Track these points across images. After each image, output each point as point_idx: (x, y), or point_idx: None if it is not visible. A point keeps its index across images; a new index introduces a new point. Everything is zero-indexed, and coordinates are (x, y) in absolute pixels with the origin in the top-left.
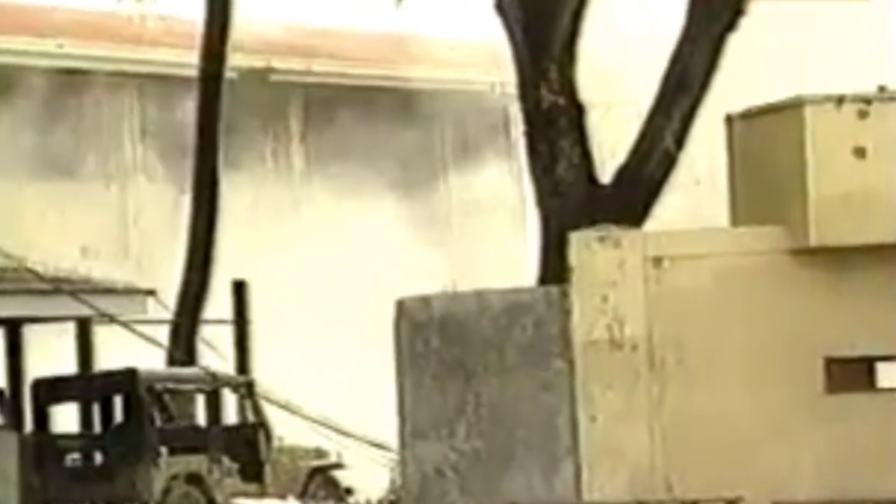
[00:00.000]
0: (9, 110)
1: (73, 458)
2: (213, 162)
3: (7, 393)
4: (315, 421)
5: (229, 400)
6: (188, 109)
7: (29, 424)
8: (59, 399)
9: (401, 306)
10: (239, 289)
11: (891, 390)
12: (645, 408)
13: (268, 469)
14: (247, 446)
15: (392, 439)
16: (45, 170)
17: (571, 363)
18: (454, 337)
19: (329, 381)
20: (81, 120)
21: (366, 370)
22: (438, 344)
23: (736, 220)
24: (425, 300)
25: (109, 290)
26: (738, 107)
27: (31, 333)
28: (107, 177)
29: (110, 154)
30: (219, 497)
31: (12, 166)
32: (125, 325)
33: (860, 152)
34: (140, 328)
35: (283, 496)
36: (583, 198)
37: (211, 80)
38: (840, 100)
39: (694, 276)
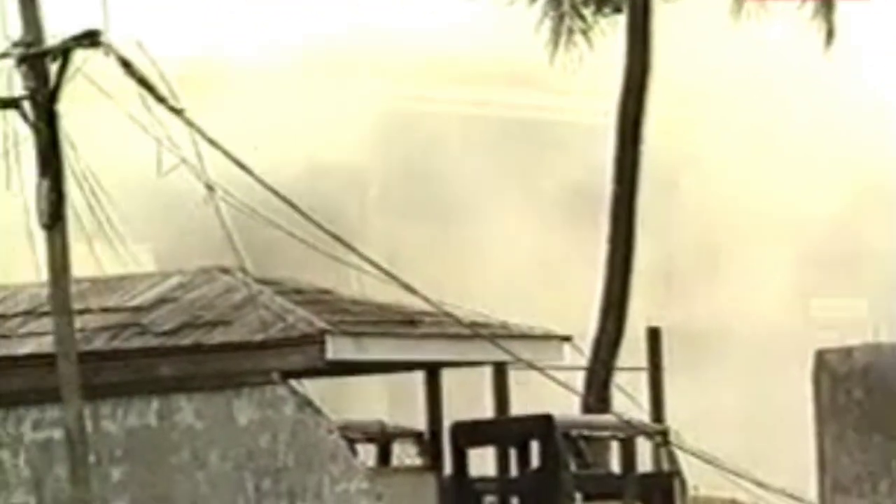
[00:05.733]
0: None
1: (490, 500)
2: (630, 210)
3: (427, 436)
4: (730, 471)
5: (644, 448)
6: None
7: (448, 467)
8: (477, 442)
9: (820, 357)
10: (653, 335)
11: None
12: None
13: None
14: (661, 495)
15: (812, 493)
16: (458, 214)
17: None
18: (877, 390)
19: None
20: (493, 167)
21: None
22: (861, 396)
23: None
24: (847, 351)
25: (525, 336)
26: None
27: (449, 377)
28: (520, 222)
29: (524, 200)
30: None
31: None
32: (541, 370)
33: None
34: (555, 374)
35: None
36: None
37: (629, 125)
38: None
39: None
